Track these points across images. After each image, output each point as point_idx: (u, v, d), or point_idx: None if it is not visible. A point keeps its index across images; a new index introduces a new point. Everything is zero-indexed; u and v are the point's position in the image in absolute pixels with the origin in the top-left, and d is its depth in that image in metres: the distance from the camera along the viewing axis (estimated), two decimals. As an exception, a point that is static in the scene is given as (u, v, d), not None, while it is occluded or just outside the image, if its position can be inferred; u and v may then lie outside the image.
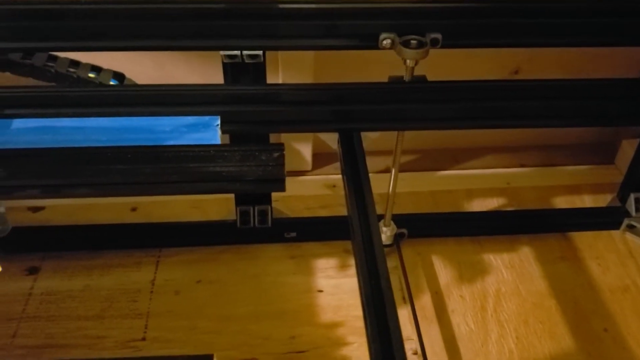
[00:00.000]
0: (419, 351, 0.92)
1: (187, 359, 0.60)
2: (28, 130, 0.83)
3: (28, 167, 0.79)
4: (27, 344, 0.93)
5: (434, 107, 0.91)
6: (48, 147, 0.81)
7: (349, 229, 0.85)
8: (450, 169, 1.26)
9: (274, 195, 1.07)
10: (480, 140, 1.29)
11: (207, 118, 0.91)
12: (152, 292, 1.00)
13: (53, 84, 0.98)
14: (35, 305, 0.98)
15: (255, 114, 0.90)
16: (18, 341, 0.94)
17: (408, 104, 0.90)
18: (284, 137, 1.14)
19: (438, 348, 0.92)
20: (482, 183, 1.22)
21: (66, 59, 0.99)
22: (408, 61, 0.86)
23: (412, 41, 0.84)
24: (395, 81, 0.90)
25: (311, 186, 1.24)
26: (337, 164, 1.28)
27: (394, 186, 1.00)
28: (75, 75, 0.99)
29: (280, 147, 0.89)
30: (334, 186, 1.24)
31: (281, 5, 0.82)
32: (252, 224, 1.08)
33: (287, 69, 1.11)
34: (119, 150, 0.82)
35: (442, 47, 0.85)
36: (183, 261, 1.05)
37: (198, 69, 1.13)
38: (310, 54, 1.09)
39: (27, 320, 0.96)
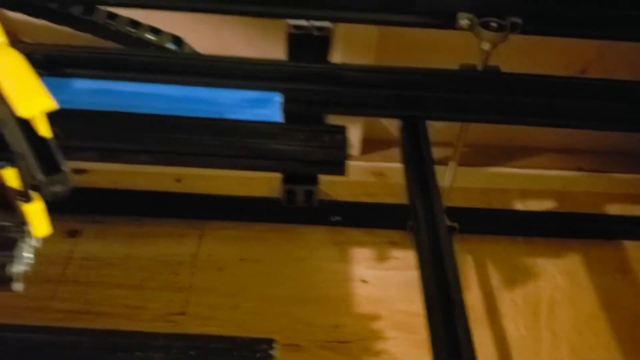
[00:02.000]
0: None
1: (247, 341, 0.57)
2: (88, 92, 0.80)
3: (87, 129, 0.76)
4: (64, 308, 0.91)
5: (506, 99, 0.86)
6: (108, 110, 0.78)
7: (409, 219, 0.82)
8: (504, 167, 1.22)
9: (319, 177, 1.04)
10: (536, 139, 1.24)
11: (268, 94, 0.87)
12: (194, 266, 0.97)
13: (111, 41, 0.95)
14: (74, 269, 0.96)
15: (318, 93, 0.87)
16: (56, 304, 0.92)
17: (480, 95, 0.86)
18: (332, 119, 1.10)
19: (487, 352, 0.89)
20: (538, 184, 1.17)
21: (126, 18, 0.96)
22: (486, 45, 0.81)
23: (492, 23, 0.80)
24: (468, 70, 0.86)
25: (357, 172, 1.19)
26: (386, 152, 1.24)
27: (451, 179, 0.96)
28: (134, 35, 0.96)
29: (342, 129, 0.85)
30: (381, 174, 1.20)
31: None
32: (298, 204, 1.05)
33: (347, 47, 1.07)
34: (180, 120, 0.79)
35: (522, 32, 0.81)
36: (227, 237, 1.02)
37: (257, 42, 1.09)
38: (374, 33, 1.05)
39: (66, 284, 0.94)
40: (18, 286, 0.60)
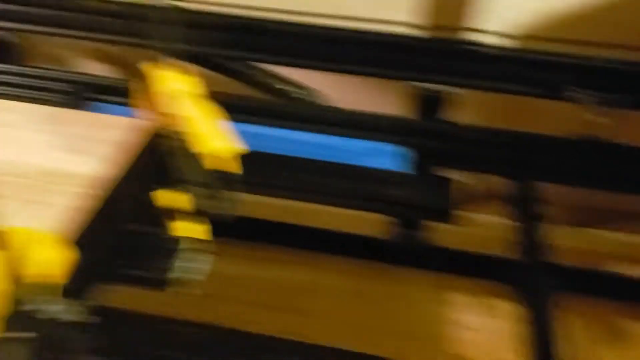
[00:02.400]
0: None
1: (357, 356, 0.66)
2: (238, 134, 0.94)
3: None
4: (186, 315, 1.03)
5: (611, 169, 0.91)
6: (252, 150, 0.91)
7: (513, 273, 0.87)
8: (608, 230, 1.23)
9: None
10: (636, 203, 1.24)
11: (390, 145, 0.97)
12: (312, 291, 1.07)
13: (256, 89, 1.09)
14: (200, 284, 1.08)
15: (439, 149, 0.96)
16: (174, 311, 1.03)
17: (588, 163, 0.91)
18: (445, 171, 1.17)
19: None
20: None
21: (264, 69, 1.10)
22: (592, 116, 0.87)
23: (597, 98, 0.86)
24: (577, 138, 0.92)
25: (466, 223, 1.25)
26: (495, 206, 1.28)
27: (556, 238, 1.00)
28: (269, 84, 1.10)
29: (452, 181, 0.94)
30: (488, 227, 1.24)
31: (485, 49, 0.91)
32: (405, 246, 1.13)
33: (468, 108, 1.15)
34: (313, 163, 0.91)
35: (626, 108, 0.87)
36: (341, 270, 1.11)
37: (375, 97, 1.19)
38: (492, 96, 1.12)
39: (190, 296, 1.06)
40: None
